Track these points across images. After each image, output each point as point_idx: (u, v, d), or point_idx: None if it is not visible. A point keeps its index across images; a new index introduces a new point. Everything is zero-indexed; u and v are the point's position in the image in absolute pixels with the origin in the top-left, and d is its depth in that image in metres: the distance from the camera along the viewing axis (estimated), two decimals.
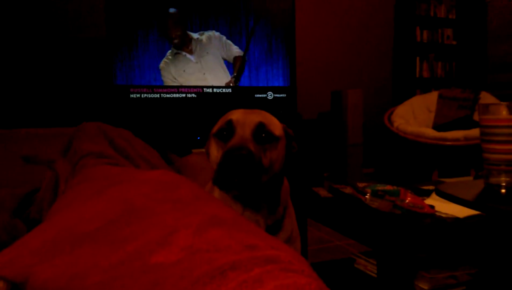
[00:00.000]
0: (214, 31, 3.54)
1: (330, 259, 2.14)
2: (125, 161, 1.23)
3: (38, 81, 3.52)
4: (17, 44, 3.44)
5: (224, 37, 3.57)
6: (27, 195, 1.12)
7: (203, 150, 1.14)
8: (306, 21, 4.53)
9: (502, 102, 1.07)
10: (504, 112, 1.04)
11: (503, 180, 1.03)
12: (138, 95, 3.32)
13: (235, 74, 3.60)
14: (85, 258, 0.52)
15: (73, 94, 3.61)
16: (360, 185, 1.60)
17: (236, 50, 3.61)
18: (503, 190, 1.02)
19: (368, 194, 1.48)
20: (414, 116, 4.25)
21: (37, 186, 1.16)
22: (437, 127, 4.05)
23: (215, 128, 1.03)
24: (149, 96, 3.35)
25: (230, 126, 0.98)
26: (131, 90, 3.30)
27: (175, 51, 3.42)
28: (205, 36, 3.51)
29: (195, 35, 3.48)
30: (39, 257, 0.55)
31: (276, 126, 1.02)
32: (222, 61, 3.57)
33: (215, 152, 1.00)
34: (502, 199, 1.01)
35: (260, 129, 0.97)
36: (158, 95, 3.37)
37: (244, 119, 0.98)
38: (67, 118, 3.54)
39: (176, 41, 3.42)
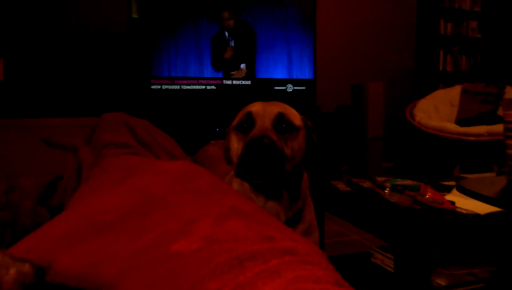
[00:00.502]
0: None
1: (347, 253, 2.14)
2: (146, 152, 1.25)
3: (62, 71, 3.58)
4: (43, 36, 3.51)
5: None
6: (51, 183, 1.15)
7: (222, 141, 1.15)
8: (327, 13, 4.49)
9: None
10: None
11: None
12: (159, 86, 3.35)
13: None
14: (105, 246, 0.54)
15: (94, 85, 3.67)
16: (379, 179, 1.59)
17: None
18: None
19: (387, 189, 1.47)
20: (437, 111, 4.17)
21: (60, 174, 1.18)
22: (459, 122, 3.98)
23: (234, 122, 1.03)
24: (170, 88, 3.37)
25: (250, 118, 0.98)
26: (152, 81, 3.33)
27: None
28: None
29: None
30: (62, 244, 0.57)
31: (295, 116, 1.02)
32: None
33: (235, 144, 1.01)
34: None
35: (280, 119, 0.97)
36: (178, 87, 3.39)
37: (263, 110, 0.99)
38: (89, 108, 3.59)
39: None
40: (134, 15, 3.28)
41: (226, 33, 3.53)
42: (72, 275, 0.50)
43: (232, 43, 3.54)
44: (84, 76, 3.65)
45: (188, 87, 3.42)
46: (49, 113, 3.41)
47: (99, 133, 1.26)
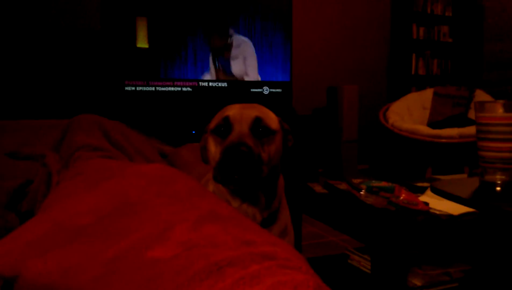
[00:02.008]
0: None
1: (324, 255, 2.15)
2: (120, 154, 1.22)
3: (33, 72, 3.49)
4: (15, 36, 3.41)
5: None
6: (20, 187, 1.11)
7: (198, 144, 1.14)
8: (302, 16, 4.52)
9: (498, 100, 1.07)
10: (500, 110, 1.04)
11: (498, 178, 1.03)
12: (133, 88, 3.29)
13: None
14: (80, 252, 0.52)
15: (67, 86, 3.58)
16: (355, 181, 1.60)
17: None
18: (498, 188, 1.02)
19: (363, 190, 1.48)
20: (409, 113, 4.25)
21: (31, 178, 1.14)
22: (432, 124, 4.07)
23: (212, 124, 1.02)
24: (144, 89, 3.32)
25: (227, 122, 0.98)
26: (126, 82, 3.28)
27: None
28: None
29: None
30: (32, 251, 0.54)
31: (272, 119, 1.02)
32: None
33: (213, 148, 1.00)
34: (497, 197, 1.01)
35: (257, 124, 0.97)
36: (153, 88, 3.35)
37: (240, 114, 0.98)
38: (61, 110, 3.51)
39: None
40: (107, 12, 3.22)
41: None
42: (44, 282, 0.48)
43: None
44: (56, 76, 3.56)
45: (163, 88, 3.38)
46: (20, 115, 3.31)
47: (71, 135, 1.23)
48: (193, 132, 3.25)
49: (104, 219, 0.60)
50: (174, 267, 0.42)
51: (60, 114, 3.29)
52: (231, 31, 3.58)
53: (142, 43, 3.32)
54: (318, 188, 1.73)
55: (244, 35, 3.63)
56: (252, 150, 0.91)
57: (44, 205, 0.83)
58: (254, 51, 3.66)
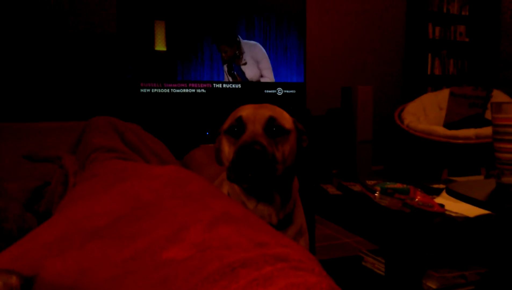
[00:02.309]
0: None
1: (338, 257, 2.14)
2: (135, 156, 1.24)
3: (50, 74, 3.55)
4: (30, 38, 3.47)
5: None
6: (38, 189, 1.13)
7: (212, 145, 1.15)
8: (316, 16, 4.51)
9: None
10: None
11: None
12: (148, 90, 3.33)
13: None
14: (95, 253, 0.53)
15: (84, 89, 3.63)
16: (370, 182, 1.60)
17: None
18: None
19: (377, 192, 1.47)
20: (425, 114, 4.21)
21: (48, 180, 1.16)
22: (448, 125, 4.02)
23: (225, 125, 1.03)
24: (159, 91, 3.35)
25: (240, 123, 0.98)
26: (142, 84, 3.31)
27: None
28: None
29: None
30: (50, 250, 0.56)
31: (286, 119, 1.02)
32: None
33: (226, 148, 1.00)
34: None
35: (271, 123, 0.97)
36: (168, 90, 3.38)
37: (254, 114, 0.98)
38: (78, 113, 3.56)
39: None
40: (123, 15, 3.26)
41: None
42: (61, 282, 0.49)
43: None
44: (73, 78, 3.61)
45: (178, 90, 3.40)
46: (38, 117, 3.37)
47: (87, 137, 1.25)
48: (207, 133, 3.26)
49: (119, 220, 0.61)
50: (188, 268, 0.43)
51: (77, 116, 3.34)
52: (239, 37, 3.59)
53: (160, 46, 3.35)
54: (331, 190, 1.73)
55: (258, 36, 3.63)
56: (266, 149, 0.91)
57: (61, 206, 0.84)
58: (265, 51, 3.66)
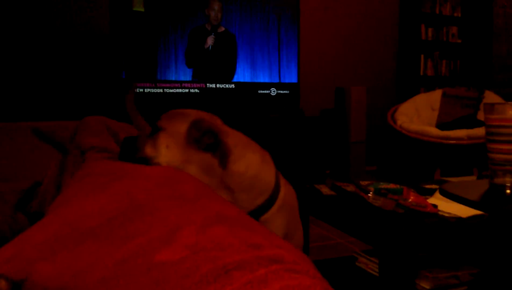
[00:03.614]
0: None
1: (331, 257, 2.14)
2: None
3: (42, 73, 3.52)
4: (24, 37, 3.44)
5: None
6: (30, 189, 1.12)
7: None
8: (310, 17, 4.51)
9: (508, 102, 1.06)
10: (510, 112, 1.03)
11: (508, 180, 1.02)
12: (142, 90, 3.31)
13: None
14: (88, 254, 0.52)
15: (78, 88, 3.61)
16: (363, 183, 1.60)
17: None
18: (507, 191, 1.01)
19: (371, 192, 1.47)
20: (418, 114, 4.23)
21: (39, 180, 1.15)
22: (440, 125, 4.04)
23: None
24: (152, 91, 3.34)
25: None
26: (135, 84, 3.29)
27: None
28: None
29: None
30: (41, 252, 0.55)
31: None
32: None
33: None
34: (506, 199, 1.00)
35: None
36: (161, 90, 3.36)
37: None
38: (70, 112, 3.53)
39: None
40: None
41: (208, 28, 3.52)
42: (53, 285, 0.49)
43: (212, 40, 3.53)
44: (65, 78, 3.59)
45: (171, 90, 3.39)
46: (31, 117, 3.34)
47: (80, 136, 1.23)
48: None
49: (112, 221, 0.61)
50: (181, 271, 0.42)
51: (71, 116, 3.32)
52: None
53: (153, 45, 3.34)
54: (325, 190, 1.73)
55: (249, 35, 3.63)
56: None
57: (53, 206, 0.83)
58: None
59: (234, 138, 0.98)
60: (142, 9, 3.29)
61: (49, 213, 0.80)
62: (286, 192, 1.07)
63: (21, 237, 0.63)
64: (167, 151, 0.96)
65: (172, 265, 0.44)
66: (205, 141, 0.94)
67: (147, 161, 0.97)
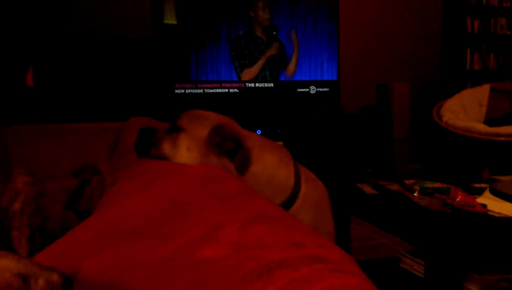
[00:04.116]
0: None
1: (375, 258, 2.10)
2: None
3: (90, 77, 3.65)
4: (71, 42, 3.59)
5: None
6: (78, 188, 1.16)
7: None
8: (349, 12, 4.44)
9: None
10: None
11: None
12: (183, 91, 3.37)
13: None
14: (133, 252, 0.53)
15: (121, 90, 3.72)
16: (408, 182, 1.55)
17: None
18: None
19: (416, 192, 1.43)
20: (465, 111, 4.07)
21: (87, 179, 1.19)
22: (489, 121, 3.87)
23: None
24: (193, 92, 3.39)
25: None
26: (176, 85, 3.36)
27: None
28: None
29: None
30: (89, 249, 0.57)
31: None
32: None
33: None
34: None
35: None
36: (201, 90, 3.41)
37: None
38: (116, 113, 3.64)
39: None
40: (168, 21, 3.32)
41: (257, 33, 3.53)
42: (101, 280, 0.50)
43: (263, 43, 3.54)
44: (112, 81, 3.71)
45: (211, 90, 3.43)
46: (79, 118, 3.47)
47: (125, 137, 1.27)
48: None
49: (155, 220, 0.62)
50: (224, 268, 0.43)
51: (117, 117, 3.42)
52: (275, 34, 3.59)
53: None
54: (367, 189, 1.69)
55: (291, 34, 3.61)
56: None
57: (100, 205, 0.86)
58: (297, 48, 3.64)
59: (252, 141, 0.99)
60: (175, 19, 3.35)
61: (96, 211, 0.83)
62: (309, 189, 1.06)
63: (70, 235, 0.65)
64: (188, 153, 0.97)
65: (215, 262, 0.44)
66: (226, 146, 0.95)
67: (163, 159, 0.98)
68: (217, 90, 3.44)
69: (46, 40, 3.53)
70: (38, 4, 3.46)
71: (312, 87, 3.68)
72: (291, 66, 3.63)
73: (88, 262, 0.53)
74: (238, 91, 3.49)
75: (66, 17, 3.58)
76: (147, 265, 0.49)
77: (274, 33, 3.55)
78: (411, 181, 1.55)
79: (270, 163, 0.99)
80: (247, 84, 3.51)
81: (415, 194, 1.42)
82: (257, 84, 3.53)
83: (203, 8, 3.42)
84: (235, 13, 3.50)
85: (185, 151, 0.97)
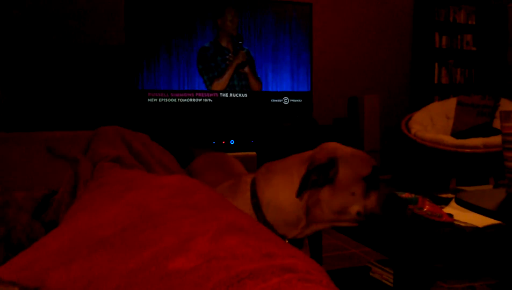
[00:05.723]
0: None
1: (345, 267, 2.12)
2: (142, 166, 1.24)
3: (59, 85, 3.58)
4: (40, 51, 3.51)
5: None
6: (46, 197, 1.13)
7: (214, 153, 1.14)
8: (322, 26, 4.52)
9: None
10: None
11: None
12: (156, 100, 3.34)
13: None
14: (102, 263, 0.52)
15: (92, 98, 3.66)
16: None
17: None
18: None
19: None
20: (432, 123, 4.19)
21: (55, 188, 1.16)
22: (455, 134, 3.99)
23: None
24: (166, 101, 3.37)
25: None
26: (149, 94, 3.33)
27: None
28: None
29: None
30: (56, 261, 0.55)
31: None
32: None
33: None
34: None
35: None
36: (174, 100, 3.39)
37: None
38: (86, 122, 3.58)
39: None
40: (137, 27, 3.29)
41: (223, 42, 3.54)
42: None
43: (230, 53, 3.55)
44: (80, 89, 3.64)
45: (185, 100, 3.42)
46: (47, 127, 3.39)
47: (95, 146, 1.25)
48: (213, 142, 3.26)
49: (125, 230, 0.61)
50: (195, 279, 0.43)
51: (86, 126, 3.36)
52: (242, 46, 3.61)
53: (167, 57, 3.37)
54: None
55: (262, 45, 3.65)
56: None
57: (68, 215, 0.84)
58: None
59: None
60: (155, 20, 3.34)
61: (64, 222, 0.81)
62: None
63: (36, 245, 0.63)
64: None
65: (185, 273, 0.44)
66: None
67: None
68: (191, 100, 3.43)
69: (12, 49, 3.45)
70: (6, 13, 3.38)
71: (285, 98, 3.72)
72: (256, 82, 3.66)
73: (54, 274, 0.51)
74: (211, 100, 3.48)
75: (36, 25, 3.51)
76: (116, 277, 0.49)
77: (240, 42, 3.57)
78: None
79: None
80: (221, 94, 3.51)
81: None
82: (230, 94, 3.54)
83: (173, 13, 3.42)
84: (203, 20, 3.51)
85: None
